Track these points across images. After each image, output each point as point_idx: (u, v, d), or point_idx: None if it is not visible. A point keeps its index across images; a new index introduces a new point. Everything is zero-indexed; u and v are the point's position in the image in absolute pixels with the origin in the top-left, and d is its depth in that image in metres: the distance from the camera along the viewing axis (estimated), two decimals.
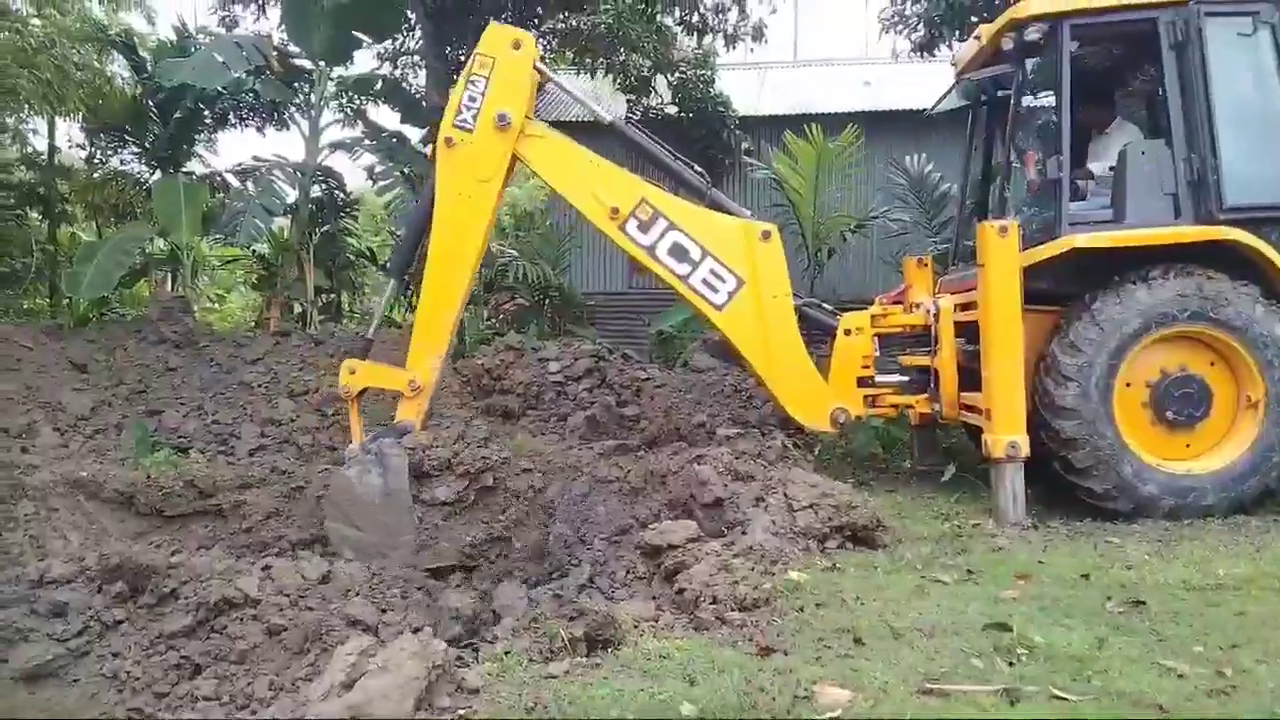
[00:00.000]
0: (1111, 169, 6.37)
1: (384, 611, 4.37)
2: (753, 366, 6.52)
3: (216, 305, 17.85)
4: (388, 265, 8.35)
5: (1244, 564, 4.66)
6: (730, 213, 6.52)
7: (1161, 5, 6.05)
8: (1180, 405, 5.87)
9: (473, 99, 6.19)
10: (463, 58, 13.97)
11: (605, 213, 6.28)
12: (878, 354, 6.70)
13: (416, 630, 4.15)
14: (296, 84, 12.89)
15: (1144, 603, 4.03)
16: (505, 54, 6.22)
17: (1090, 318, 5.83)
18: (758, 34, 14.78)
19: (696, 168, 6.72)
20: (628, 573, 4.67)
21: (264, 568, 4.50)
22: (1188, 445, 5.91)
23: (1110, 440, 5.75)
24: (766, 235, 6.32)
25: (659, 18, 12.76)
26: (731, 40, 14.54)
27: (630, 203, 6.27)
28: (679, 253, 6.26)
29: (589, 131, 7.75)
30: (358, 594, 4.46)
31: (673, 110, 14.47)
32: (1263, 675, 3.20)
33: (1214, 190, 5.90)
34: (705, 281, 6.27)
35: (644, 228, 6.27)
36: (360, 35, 11.74)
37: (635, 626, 3.83)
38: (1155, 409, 5.90)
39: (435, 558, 5.50)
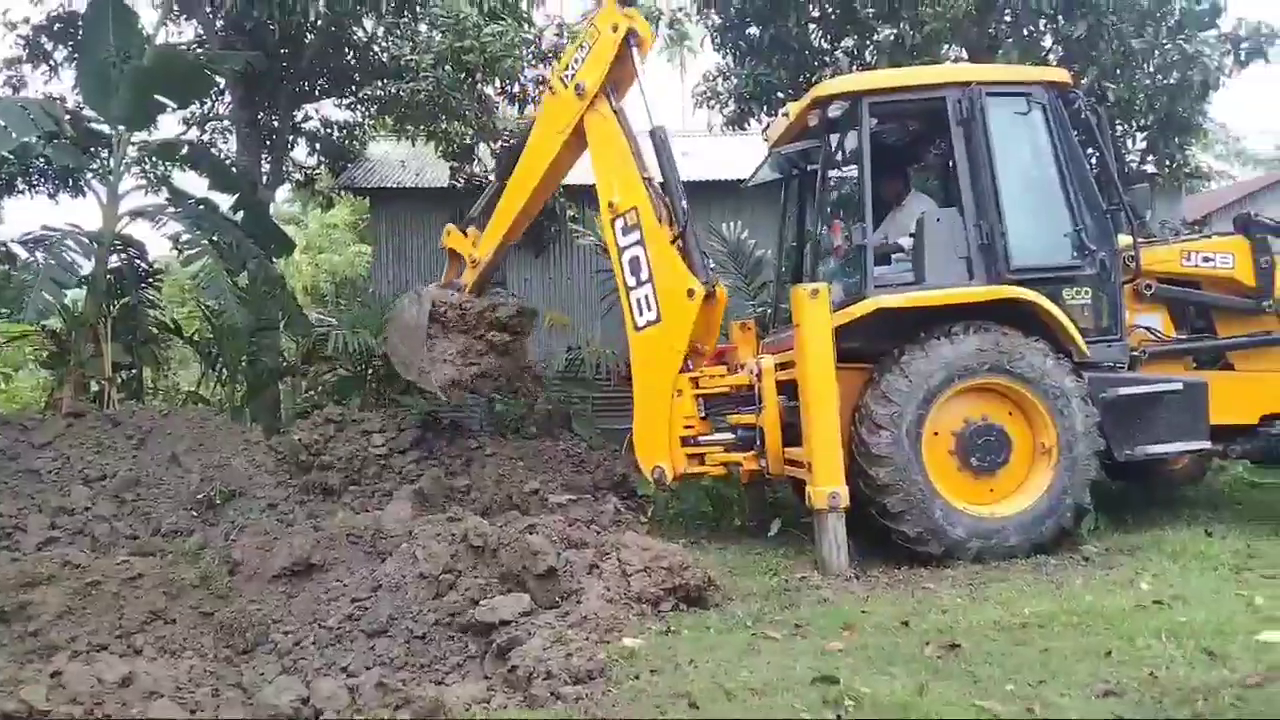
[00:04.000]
0: (912, 236, 6.80)
1: (193, 713, 4.05)
2: (634, 391, 7.16)
3: (2, 386, 16.36)
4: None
5: (1046, 602, 4.97)
6: (693, 258, 7.09)
7: (948, 85, 6.60)
8: (983, 452, 6.25)
9: (576, 61, 7.37)
10: (275, 122, 13.58)
11: (608, 201, 7.26)
12: (702, 415, 6.88)
13: None
14: (93, 149, 12.11)
15: (959, 645, 4.22)
16: (605, 32, 7.23)
17: (900, 370, 6.16)
18: None
19: (684, 204, 7.20)
20: (458, 653, 4.51)
21: (53, 674, 4.11)
22: (991, 490, 6.28)
23: (921, 485, 6.04)
24: (690, 293, 6.91)
25: (480, 87, 12.79)
26: None
27: (625, 205, 7.19)
28: (635, 266, 7.13)
29: None
30: (163, 696, 4.11)
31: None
32: (1066, 707, 3.40)
33: (1001, 253, 6.38)
34: (639, 301, 7.10)
35: (625, 231, 7.20)
36: (164, 100, 11.14)
37: (466, 710, 3.70)
38: (961, 456, 6.25)
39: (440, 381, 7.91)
